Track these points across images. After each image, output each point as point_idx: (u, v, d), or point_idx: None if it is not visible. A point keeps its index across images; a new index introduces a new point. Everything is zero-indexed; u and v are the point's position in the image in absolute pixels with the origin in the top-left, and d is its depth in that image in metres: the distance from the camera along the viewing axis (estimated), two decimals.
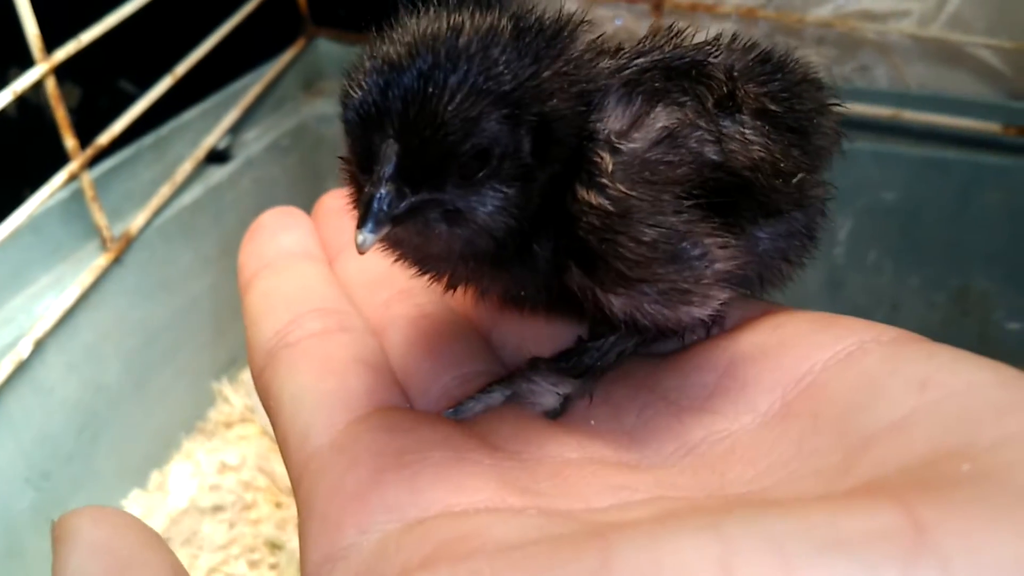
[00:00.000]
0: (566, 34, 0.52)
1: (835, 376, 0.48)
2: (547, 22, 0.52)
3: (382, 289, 0.66)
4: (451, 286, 0.57)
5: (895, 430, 0.43)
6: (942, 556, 0.33)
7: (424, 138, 0.46)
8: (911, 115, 1.20)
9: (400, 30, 0.50)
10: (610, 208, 0.49)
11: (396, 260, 0.57)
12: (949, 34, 1.23)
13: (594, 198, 0.49)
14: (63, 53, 0.94)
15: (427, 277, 0.57)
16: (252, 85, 1.31)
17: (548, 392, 0.56)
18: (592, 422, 0.55)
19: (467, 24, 0.49)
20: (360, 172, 0.49)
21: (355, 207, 0.52)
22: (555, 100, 0.49)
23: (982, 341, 1.30)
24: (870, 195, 1.27)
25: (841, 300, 1.33)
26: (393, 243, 0.55)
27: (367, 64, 0.48)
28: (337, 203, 0.74)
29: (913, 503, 0.35)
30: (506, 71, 0.48)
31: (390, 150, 0.46)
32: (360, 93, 0.47)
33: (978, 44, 1.23)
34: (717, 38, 0.58)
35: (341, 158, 0.54)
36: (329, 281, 0.66)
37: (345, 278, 0.68)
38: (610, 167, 0.49)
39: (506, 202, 0.49)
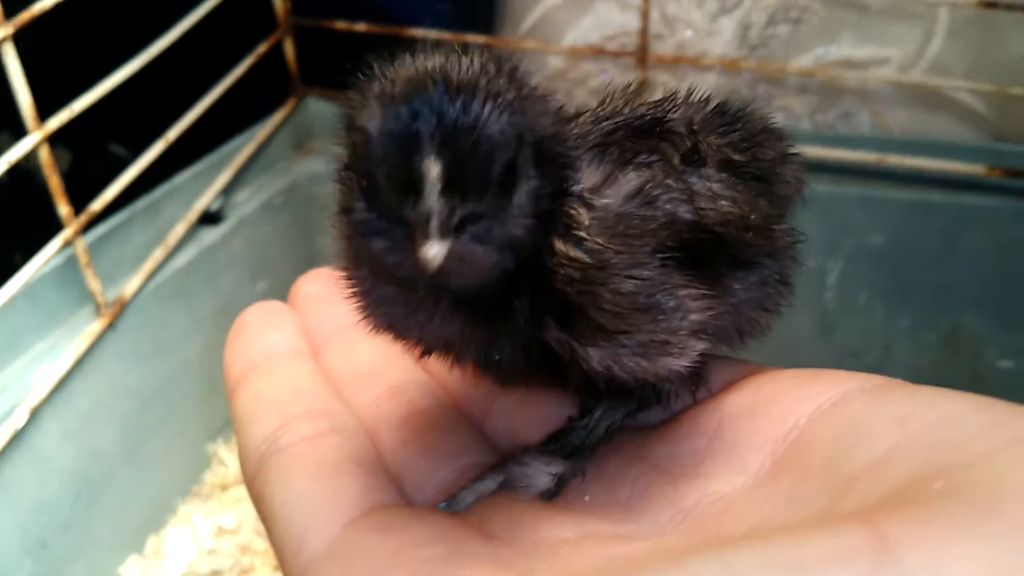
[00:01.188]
0: (548, 96, 0.53)
1: (820, 426, 0.49)
2: (531, 76, 0.52)
3: (372, 385, 0.65)
4: (427, 352, 0.57)
5: (876, 466, 0.43)
6: (904, 571, 0.33)
7: (462, 155, 0.46)
8: (896, 159, 1.21)
9: (397, 69, 0.49)
10: (588, 260, 0.49)
11: (369, 327, 0.56)
12: (930, 79, 1.25)
13: (572, 251, 0.50)
14: (56, 122, 0.94)
15: (401, 342, 0.56)
16: (244, 146, 1.32)
17: (541, 473, 0.56)
18: (587, 498, 0.55)
19: (463, 61, 0.49)
20: (396, 197, 0.47)
21: (388, 238, 0.49)
22: (549, 131, 0.50)
23: (974, 380, 1.30)
24: (858, 239, 1.28)
25: (834, 344, 1.33)
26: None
27: (380, 93, 0.48)
28: (315, 288, 0.73)
29: (880, 521, 0.36)
30: (512, 93, 0.48)
31: (434, 168, 0.45)
32: (388, 119, 0.47)
33: (959, 88, 1.25)
34: (673, 94, 0.59)
35: (338, 203, 0.53)
36: (318, 379, 0.66)
37: (333, 371, 0.67)
38: (586, 221, 0.50)
39: (530, 219, 0.49)
